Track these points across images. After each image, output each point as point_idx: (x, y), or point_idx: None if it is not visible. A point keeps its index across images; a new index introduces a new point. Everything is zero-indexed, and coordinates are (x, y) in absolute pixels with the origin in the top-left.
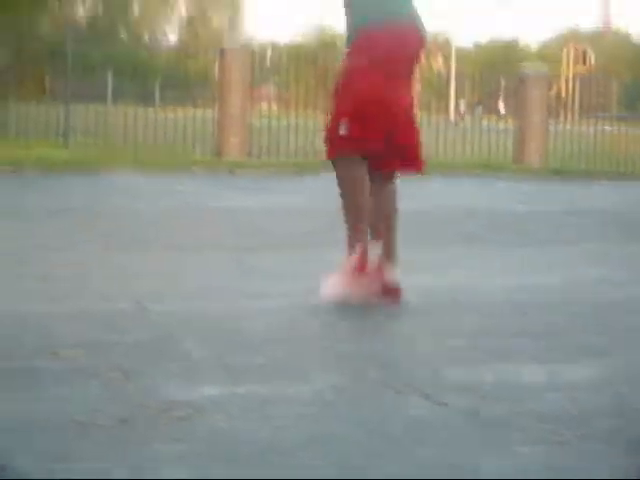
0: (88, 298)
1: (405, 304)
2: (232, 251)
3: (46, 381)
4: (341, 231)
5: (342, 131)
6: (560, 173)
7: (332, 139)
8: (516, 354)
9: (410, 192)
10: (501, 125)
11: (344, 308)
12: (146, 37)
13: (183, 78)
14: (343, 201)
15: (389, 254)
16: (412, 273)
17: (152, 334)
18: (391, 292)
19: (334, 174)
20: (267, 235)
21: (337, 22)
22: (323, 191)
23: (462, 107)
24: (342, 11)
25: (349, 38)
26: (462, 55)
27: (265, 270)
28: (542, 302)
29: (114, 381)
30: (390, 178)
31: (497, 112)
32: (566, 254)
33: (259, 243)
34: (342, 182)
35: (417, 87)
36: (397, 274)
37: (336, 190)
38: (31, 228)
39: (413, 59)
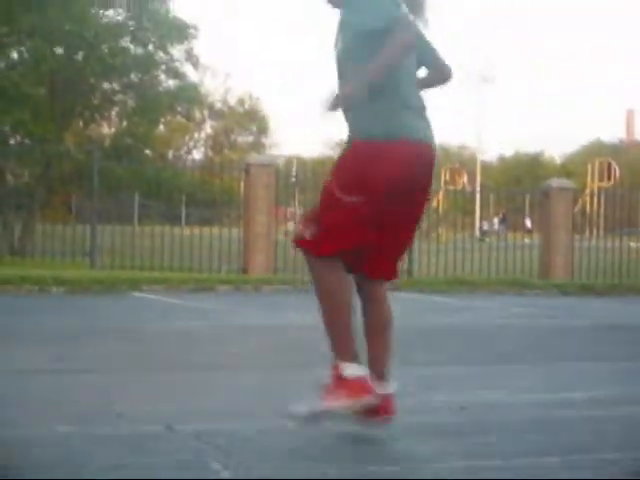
0: (116, 420)
1: (437, 423)
2: (260, 369)
3: None
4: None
5: (307, 235)
6: (587, 288)
7: (300, 233)
8: (547, 473)
9: (439, 308)
10: (526, 240)
11: (371, 429)
12: (170, 155)
13: (209, 197)
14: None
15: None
16: (442, 390)
17: (181, 456)
18: (384, 408)
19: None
20: (295, 353)
21: None
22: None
23: (485, 226)
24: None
25: (358, 132)
26: (487, 169)
27: (293, 388)
28: (571, 419)
29: None
30: (376, 283)
31: (523, 227)
32: (595, 371)
33: (287, 361)
34: (319, 282)
35: (441, 206)
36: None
37: (356, 307)
38: (58, 349)
39: (425, 186)
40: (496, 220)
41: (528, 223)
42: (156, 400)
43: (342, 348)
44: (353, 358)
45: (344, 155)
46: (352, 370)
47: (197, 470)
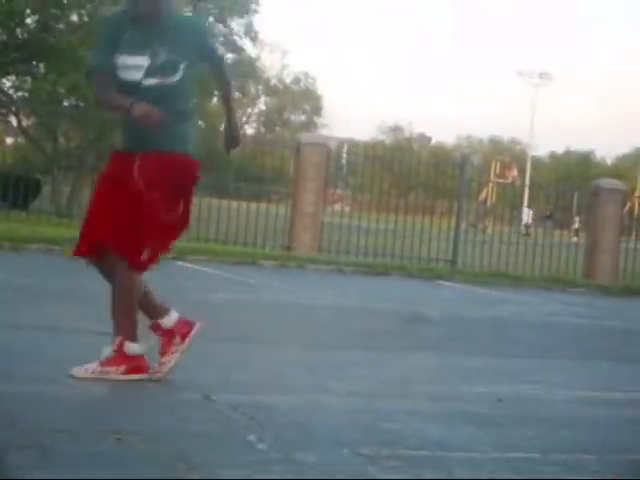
0: (155, 387)
1: (473, 412)
2: (300, 346)
3: (110, 466)
4: (397, 336)
5: (144, 256)
6: (631, 291)
7: (133, 255)
8: (584, 470)
9: (482, 300)
10: (572, 239)
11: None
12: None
13: (259, 172)
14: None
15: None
16: (481, 381)
17: (217, 425)
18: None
19: (390, 275)
20: (334, 332)
21: (414, 124)
22: (393, 292)
23: (529, 218)
24: None
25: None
26: (537, 164)
27: (330, 367)
28: (609, 418)
29: (176, 470)
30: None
31: (570, 226)
32: (636, 372)
33: (326, 340)
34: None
35: (489, 198)
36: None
37: (402, 293)
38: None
39: None
40: (529, 212)
41: (576, 222)
42: (195, 369)
43: (128, 329)
44: (135, 338)
45: None
46: (133, 349)
47: (233, 440)
